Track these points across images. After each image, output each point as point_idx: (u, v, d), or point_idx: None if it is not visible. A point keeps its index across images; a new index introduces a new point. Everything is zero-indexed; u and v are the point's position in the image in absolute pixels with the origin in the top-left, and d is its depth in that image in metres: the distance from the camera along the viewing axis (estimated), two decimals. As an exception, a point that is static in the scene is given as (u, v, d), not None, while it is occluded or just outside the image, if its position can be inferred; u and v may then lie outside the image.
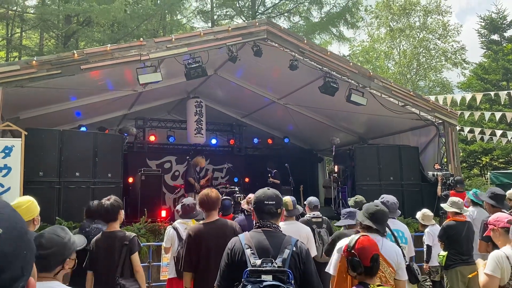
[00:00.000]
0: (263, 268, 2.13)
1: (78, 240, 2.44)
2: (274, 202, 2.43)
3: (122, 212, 3.83)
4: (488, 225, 3.46)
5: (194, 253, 3.32)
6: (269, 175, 11.32)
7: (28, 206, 3.14)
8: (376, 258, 2.35)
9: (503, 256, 2.91)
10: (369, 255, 2.36)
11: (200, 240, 3.33)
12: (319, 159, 14.69)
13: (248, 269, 2.14)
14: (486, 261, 3.04)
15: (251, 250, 2.23)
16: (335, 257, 2.87)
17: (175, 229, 5.03)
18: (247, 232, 2.40)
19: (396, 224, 4.09)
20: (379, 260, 2.38)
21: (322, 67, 8.67)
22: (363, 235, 2.61)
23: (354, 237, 2.55)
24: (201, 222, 3.61)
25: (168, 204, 11.93)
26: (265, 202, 2.42)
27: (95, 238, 3.75)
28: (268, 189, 2.53)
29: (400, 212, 4.41)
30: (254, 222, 2.47)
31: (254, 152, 14.40)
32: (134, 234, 3.74)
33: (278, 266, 2.15)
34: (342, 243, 2.91)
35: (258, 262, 2.16)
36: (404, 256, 3.76)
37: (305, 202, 5.68)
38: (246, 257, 2.21)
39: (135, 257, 3.65)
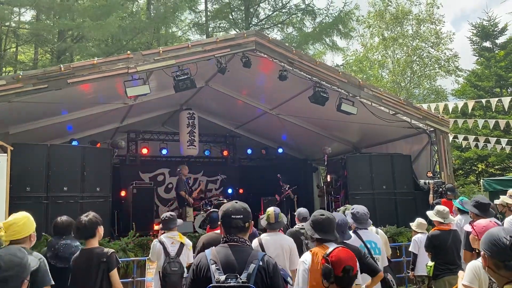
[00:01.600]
0: (227, 284, 2.09)
1: (32, 262, 2.40)
2: (241, 216, 2.39)
3: (101, 228, 3.77)
4: (472, 229, 3.38)
5: None
6: (285, 188, 11.19)
7: (24, 222, 3.13)
8: (348, 269, 2.32)
9: (480, 266, 2.86)
10: (342, 265, 2.33)
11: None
12: (314, 169, 14.65)
13: (211, 285, 2.10)
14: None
15: (216, 266, 2.19)
16: (301, 272, 2.82)
17: (162, 243, 4.98)
18: (213, 247, 2.35)
19: (368, 235, 4.05)
20: (353, 272, 2.34)
21: (312, 77, 8.68)
22: (341, 247, 2.59)
23: (332, 247, 2.54)
24: (219, 232, 3.56)
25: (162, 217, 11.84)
26: (232, 216, 2.38)
27: (74, 256, 3.69)
28: (236, 202, 2.49)
29: (371, 222, 4.37)
30: (221, 237, 2.42)
31: (248, 163, 14.37)
32: (112, 250, 3.68)
33: (243, 282, 2.11)
34: (305, 258, 2.88)
35: (223, 278, 2.12)
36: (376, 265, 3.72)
37: (295, 214, 5.62)
38: (211, 272, 2.17)
39: (114, 274, 3.58)
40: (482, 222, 3.39)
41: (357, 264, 2.39)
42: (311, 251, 2.90)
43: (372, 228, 4.90)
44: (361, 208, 4.27)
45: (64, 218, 4.34)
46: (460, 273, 3.18)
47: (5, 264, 2.04)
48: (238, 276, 2.14)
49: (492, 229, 2.47)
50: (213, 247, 2.35)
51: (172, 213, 5.27)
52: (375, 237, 4.22)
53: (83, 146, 8.42)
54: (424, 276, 5.85)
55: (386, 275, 3.86)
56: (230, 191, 12.81)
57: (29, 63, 20.46)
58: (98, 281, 3.48)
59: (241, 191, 13.10)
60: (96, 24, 14.53)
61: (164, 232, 5.16)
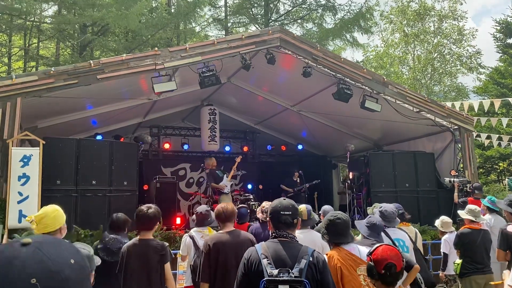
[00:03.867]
0: (280, 278, 2.13)
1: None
2: (290, 213, 2.44)
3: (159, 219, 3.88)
4: None
5: (212, 263, 3.34)
6: (305, 186, 11.08)
7: (55, 215, 3.19)
8: (390, 266, 2.34)
9: None
10: (384, 263, 2.36)
11: (219, 249, 3.34)
12: (334, 166, 14.61)
13: (265, 279, 2.15)
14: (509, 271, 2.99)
15: (267, 260, 2.23)
16: None
17: (191, 237, 5.05)
18: (263, 242, 2.40)
19: (396, 233, 4.06)
20: (396, 269, 2.36)
21: (336, 74, 8.66)
22: (385, 244, 2.62)
23: (376, 245, 2.58)
24: (219, 232, 3.62)
25: (183, 211, 11.99)
26: (281, 212, 2.43)
27: (128, 244, 3.77)
28: (284, 199, 2.54)
29: (399, 220, 4.37)
30: (270, 232, 2.47)
31: (268, 159, 14.41)
32: (167, 244, 3.77)
33: (295, 276, 2.15)
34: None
35: (275, 272, 2.17)
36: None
37: (320, 212, 5.65)
38: (262, 267, 2.22)
39: (168, 266, 3.68)
40: None
41: (403, 261, 2.40)
42: (327, 254, 2.94)
43: (409, 227, 4.91)
44: (389, 207, 4.28)
45: (119, 215, 4.47)
46: (506, 272, 3.17)
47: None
48: (290, 270, 2.18)
49: None
50: (263, 242, 2.40)
51: (208, 208, 5.20)
52: (403, 235, 4.23)
53: (111, 140, 8.56)
54: (455, 275, 5.83)
55: None
56: (250, 186, 12.87)
57: (51, 58, 20.82)
58: (155, 272, 3.57)
59: (260, 187, 13.15)
60: (121, 14, 14.69)
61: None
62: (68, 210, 6.96)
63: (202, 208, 5.18)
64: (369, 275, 2.40)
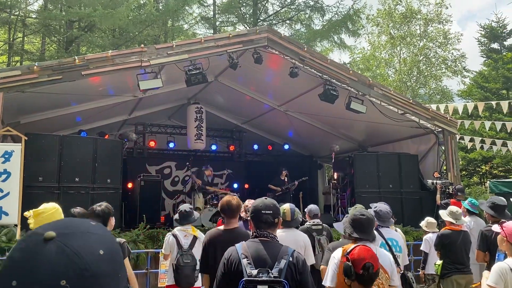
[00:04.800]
0: (259, 278, 2.13)
1: None
2: (271, 212, 2.44)
3: (113, 219, 3.82)
4: (503, 230, 3.33)
5: (211, 257, 3.32)
6: (293, 183, 11.07)
7: (52, 212, 3.22)
8: (368, 267, 2.35)
9: (507, 268, 2.88)
10: (362, 263, 2.37)
11: (216, 245, 3.32)
12: (319, 166, 14.69)
13: (244, 279, 2.15)
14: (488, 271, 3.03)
15: (247, 260, 2.23)
16: (331, 268, 2.88)
17: (175, 236, 5.01)
18: (244, 241, 2.40)
19: (390, 233, 4.10)
20: (373, 270, 2.38)
21: (322, 75, 8.70)
22: (362, 245, 2.63)
23: (352, 246, 2.58)
24: (221, 228, 3.59)
25: (167, 209, 11.93)
26: (262, 211, 2.43)
27: None
28: (266, 198, 2.54)
29: (393, 220, 4.40)
30: (251, 232, 2.47)
31: (254, 158, 14.42)
32: (124, 240, 3.75)
33: (274, 277, 2.15)
34: (336, 254, 2.92)
35: (254, 272, 2.16)
36: (398, 264, 3.77)
37: (305, 210, 5.67)
38: (242, 267, 2.22)
39: (126, 263, 3.65)
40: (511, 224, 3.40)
41: (378, 261, 2.42)
42: (342, 247, 2.94)
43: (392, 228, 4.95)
44: (383, 206, 4.31)
45: (78, 209, 4.39)
46: (485, 272, 3.22)
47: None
48: (270, 271, 2.19)
49: None
50: (243, 241, 2.39)
51: (191, 206, 5.18)
52: (397, 235, 4.26)
53: (95, 137, 8.46)
54: (434, 275, 5.91)
55: (407, 273, 3.91)
56: (236, 185, 12.87)
57: (36, 53, 20.50)
58: None
59: (246, 186, 13.16)
60: (107, 13, 14.54)
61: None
62: (50, 207, 6.91)
63: (185, 206, 5.15)
64: (346, 275, 2.41)
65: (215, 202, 9.67)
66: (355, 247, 2.54)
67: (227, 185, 13.10)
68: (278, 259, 2.25)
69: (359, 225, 3.02)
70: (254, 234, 2.43)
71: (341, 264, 2.65)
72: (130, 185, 11.12)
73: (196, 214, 5.28)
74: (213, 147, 13.18)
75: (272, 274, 2.16)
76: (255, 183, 12.96)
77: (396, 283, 3.06)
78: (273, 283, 2.13)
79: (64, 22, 17.69)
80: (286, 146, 13.92)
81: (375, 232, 3.87)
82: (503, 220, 4.06)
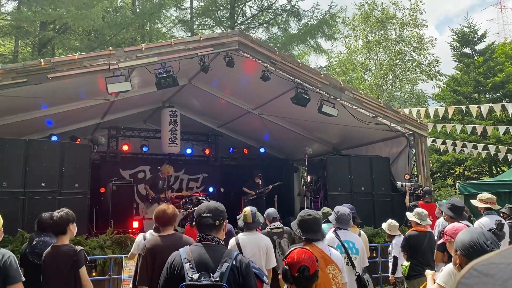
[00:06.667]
0: (199, 283, 2.12)
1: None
2: (211, 214, 2.43)
3: (73, 225, 3.76)
4: (445, 235, 3.49)
5: (149, 266, 3.28)
6: (267, 187, 11.06)
7: None
8: (303, 269, 2.33)
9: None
10: (297, 266, 2.35)
11: (156, 253, 3.29)
12: (295, 169, 14.76)
13: (184, 283, 2.13)
14: (434, 271, 3.08)
15: (189, 265, 2.22)
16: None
17: (145, 238, 4.96)
18: (187, 246, 2.38)
19: (347, 235, 4.14)
20: (309, 272, 2.36)
21: (294, 78, 8.75)
22: (300, 247, 2.62)
23: (291, 248, 2.57)
24: (158, 234, 3.57)
25: (141, 214, 11.77)
26: (202, 214, 2.43)
27: (44, 252, 3.67)
28: (209, 202, 2.54)
29: (352, 223, 4.45)
30: (197, 236, 2.46)
31: (230, 161, 14.39)
32: (81, 248, 3.70)
33: (215, 280, 2.14)
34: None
35: (196, 276, 2.15)
36: (353, 266, 3.81)
37: (264, 215, 5.65)
38: (184, 271, 2.20)
39: (82, 270, 3.59)
40: (451, 225, 3.51)
41: (317, 264, 2.41)
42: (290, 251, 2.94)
43: (356, 230, 5.00)
44: (342, 209, 4.34)
45: (48, 214, 4.31)
46: (428, 271, 3.27)
47: None
48: (211, 274, 2.18)
49: (471, 231, 2.56)
50: (188, 246, 2.38)
51: None
52: (354, 237, 4.30)
53: (62, 141, 8.31)
54: (402, 278, 5.98)
55: (363, 275, 3.95)
56: (211, 189, 12.80)
57: (9, 56, 20.05)
58: (69, 278, 3.49)
59: (222, 190, 13.11)
60: (81, 14, 14.32)
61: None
62: (15, 214, 6.75)
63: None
64: (284, 279, 2.40)
65: (189, 206, 9.60)
66: (292, 250, 2.52)
67: (202, 189, 13.03)
68: (221, 263, 2.25)
69: (306, 225, 3.04)
70: (199, 238, 2.42)
71: None
72: (103, 190, 10.96)
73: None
74: (188, 151, 13.10)
75: (214, 278, 2.15)
76: (231, 187, 12.93)
77: (345, 279, 3.10)
78: (214, 287, 2.12)
79: (37, 24, 17.37)
80: (262, 150, 13.94)
81: (332, 234, 3.92)
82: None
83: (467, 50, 23.13)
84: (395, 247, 6.19)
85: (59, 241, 3.65)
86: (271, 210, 5.33)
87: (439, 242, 4.29)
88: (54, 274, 3.52)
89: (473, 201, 5.86)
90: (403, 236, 6.20)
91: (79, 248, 3.66)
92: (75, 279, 3.51)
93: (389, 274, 6.33)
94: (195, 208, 5.98)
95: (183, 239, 3.34)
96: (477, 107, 13.73)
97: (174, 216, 3.50)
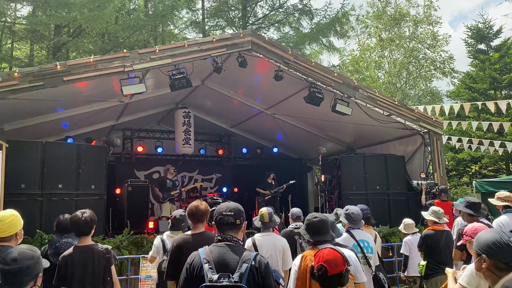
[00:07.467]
0: (219, 284, 2.13)
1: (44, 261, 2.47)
2: (232, 213, 2.45)
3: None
4: (464, 235, 3.43)
5: (177, 263, 3.30)
6: (281, 187, 11.04)
7: (11, 220, 3.08)
8: (320, 268, 2.36)
9: None
10: (317, 264, 2.37)
11: (184, 251, 3.29)
12: (309, 169, 14.71)
13: (204, 284, 2.14)
14: (454, 269, 3.03)
15: (209, 265, 2.23)
16: (292, 274, 2.88)
17: (162, 241, 5.00)
18: (207, 246, 2.39)
19: (361, 234, 4.12)
20: (327, 274, 2.38)
21: (307, 78, 8.73)
22: (330, 248, 2.63)
23: (324, 247, 2.58)
24: (188, 233, 3.58)
25: (156, 215, 11.86)
26: (223, 213, 2.44)
27: (66, 253, 3.70)
28: (229, 202, 2.55)
29: (364, 222, 4.44)
30: (215, 236, 2.47)
31: (243, 162, 14.41)
32: (110, 247, 3.76)
33: (235, 281, 2.15)
34: (296, 261, 2.93)
35: (215, 277, 2.16)
36: (370, 265, 3.78)
37: (289, 214, 5.67)
38: (204, 272, 2.21)
39: (113, 269, 3.67)
40: (470, 225, 3.45)
41: (343, 265, 2.41)
42: (302, 254, 2.95)
43: (372, 231, 4.97)
44: (354, 209, 4.34)
45: (67, 216, 4.37)
46: (448, 269, 3.21)
47: (18, 255, 2.14)
48: (231, 275, 2.18)
49: (492, 231, 2.50)
50: (207, 246, 2.39)
51: (183, 212, 5.08)
52: (368, 236, 4.29)
53: (78, 143, 8.41)
54: (416, 277, 5.92)
55: (378, 273, 3.93)
56: (225, 190, 12.84)
57: (24, 60, 20.38)
58: (102, 276, 3.55)
59: (236, 190, 13.13)
60: (93, 15, 14.50)
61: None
62: (33, 215, 6.86)
63: (177, 212, 5.14)
64: (311, 275, 2.42)
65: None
66: (323, 249, 2.54)
67: (216, 189, 13.08)
68: (240, 263, 2.25)
69: (313, 228, 3.04)
70: (218, 238, 2.42)
71: (299, 270, 2.66)
72: (118, 191, 11.07)
73: (189, 221, 5.26)
74: (202, 151, 13.16)
75: (233, 278, 2.16)
76: (245, 187, 12.95)
77: (362, 279, 3.08)
78: (233, 287, 2.13)
79: (52, 27, 17.61)
80: (275, 149, 13.93)
81: (346, 233, 3.90)
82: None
83: (482, 46, 22.77)
84: (404, 246, 6.15)
85: (83, 241, 3.69)
86: (296, 209, 5.32)
87: (458, 243, 4.23)
88: (85, 274, 3.55)
89: (490, 200, 5.76)
90: (412, 235, 6.13)
91: (109, 246, 3.74)
92: (107, 276, 3.58)
93: (400, 272, 6.28)
94: (213, 208, 6.02)
95: (210, 237, 3.33)
96: (494, 103, 13.53)
97: (206, 212, 3.50)
